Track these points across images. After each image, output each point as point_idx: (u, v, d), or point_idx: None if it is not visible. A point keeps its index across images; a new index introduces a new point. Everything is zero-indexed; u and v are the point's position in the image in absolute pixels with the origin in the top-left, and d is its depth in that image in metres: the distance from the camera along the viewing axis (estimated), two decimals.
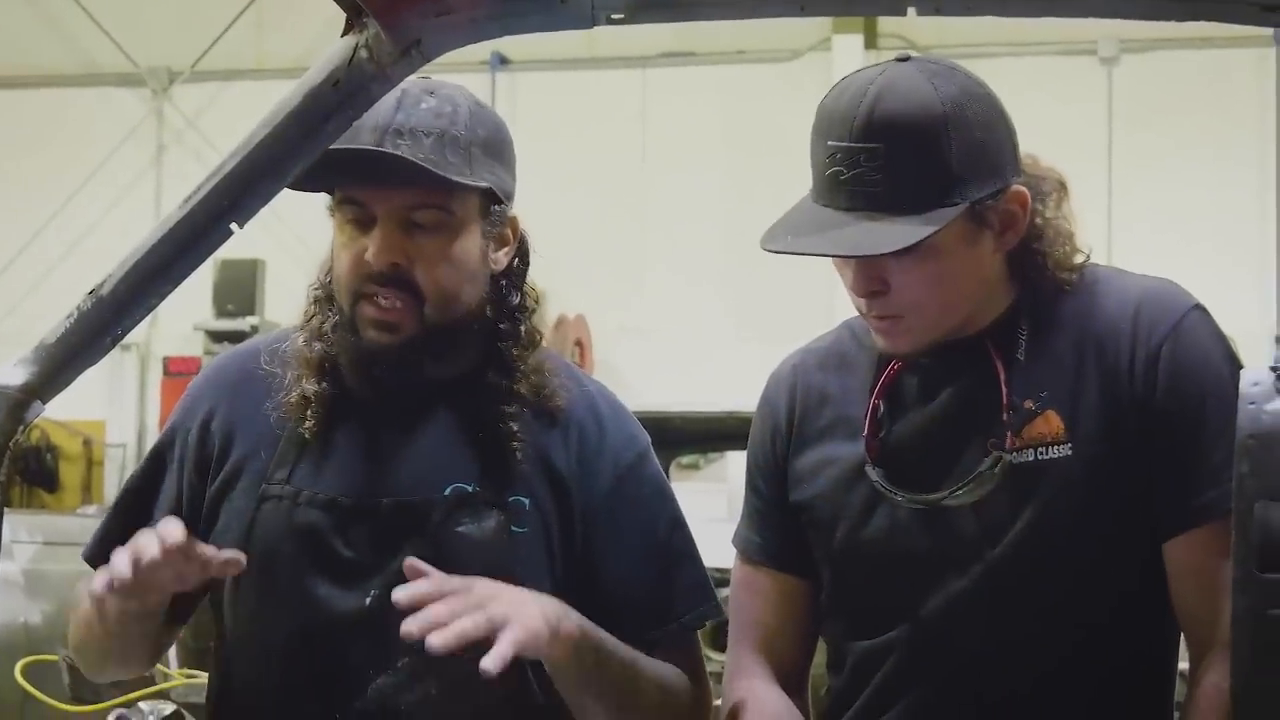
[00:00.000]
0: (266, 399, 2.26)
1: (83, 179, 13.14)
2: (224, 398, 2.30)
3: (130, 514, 2.30)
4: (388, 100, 2.11)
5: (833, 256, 2.10)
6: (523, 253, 2.29)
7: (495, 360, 2.24)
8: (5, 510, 1.80)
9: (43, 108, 13.61)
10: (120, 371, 12.97)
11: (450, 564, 2.11)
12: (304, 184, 2.11)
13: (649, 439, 2.33)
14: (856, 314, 2.24)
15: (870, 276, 2.09)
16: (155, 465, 2.33)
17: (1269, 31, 10.73)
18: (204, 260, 1.80)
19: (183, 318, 12.12)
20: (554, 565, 2.21)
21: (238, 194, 1.75)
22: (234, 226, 1.75)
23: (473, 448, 2.21)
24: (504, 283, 2.26)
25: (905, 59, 2.11)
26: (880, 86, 2.06)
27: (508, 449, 2.20)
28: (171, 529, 1.98)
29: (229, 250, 1.85)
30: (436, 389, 2.24)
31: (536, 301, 2.30)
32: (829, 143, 2.07)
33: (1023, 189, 2.11)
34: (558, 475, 2.23)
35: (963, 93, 2.07)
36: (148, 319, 1.94)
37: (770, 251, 2.08)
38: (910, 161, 2.03)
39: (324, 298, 2.26)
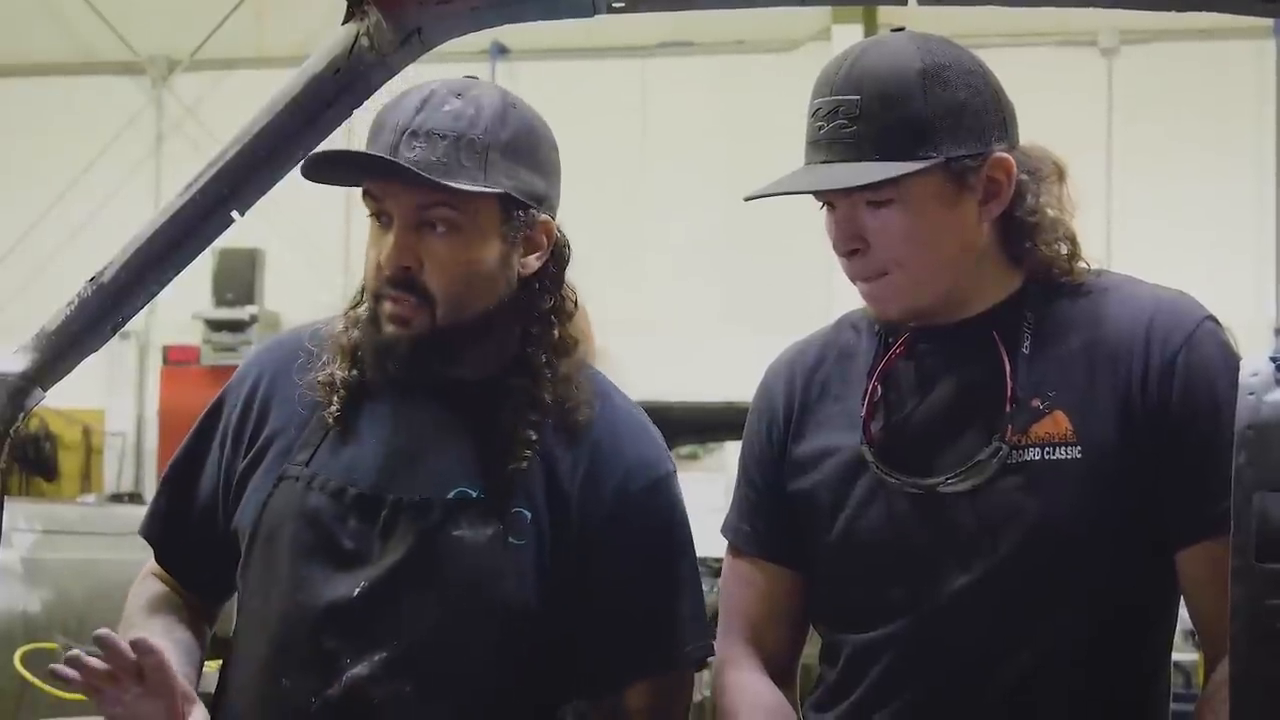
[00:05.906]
0: (303, 380, 2.29)
1: (82, 168, 13.12)
2: (268, 374, 2.33)
3: (177, 487, 2.36)
4: (412, 99, 2.13)
5: (797, 193, 2.12)
6: (558, 257, 2.27)
7: (522, 364, 2.23)
8: (4, 498, 1.80)
9: (42, 96, 13.57)
10: (119, 360, 12.95)
11: (443, 566, 2.14)
12: (324, 176, 2.13)
13: (672, 466, 2.29)
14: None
15: (849, 234, 2.12)
16: (200, 437, 2.37)
17: (1269, 22, 10.72)
18: (205, 248, 1.80)
19: (182, 306, 12.11)
20: (544, 581, 2.18)
21: (238, 182, 1.75)
22: (234, 214, 1.76)
23: (486, 453, 2.20)
24: (535, 286, 2.24)
25: (900, 29, 2.16)
26: (866, 46, 2.14)
27: (519, 457, 2.19)
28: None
29: (228, 239, 1.85)
30: (460, 389, 2.23)
31: (575, 305, 2.29)
32: (814, 101, 2.13)
33: (1007, 156, 2.12)
34: (560, 490, 2.21)
35: (948, 57, 2.12)
36: (147, 307, 1.94)
37: (748, 199, 2.11)
38: (884, 110, 2.08)
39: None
